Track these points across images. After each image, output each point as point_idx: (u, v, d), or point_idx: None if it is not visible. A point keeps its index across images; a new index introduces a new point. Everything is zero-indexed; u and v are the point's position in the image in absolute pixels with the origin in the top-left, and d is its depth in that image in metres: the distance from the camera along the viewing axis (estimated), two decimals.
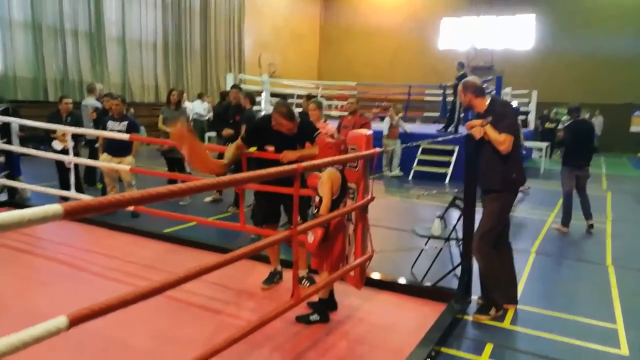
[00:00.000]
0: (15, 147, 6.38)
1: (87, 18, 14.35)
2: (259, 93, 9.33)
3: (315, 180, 3.30)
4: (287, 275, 4.09)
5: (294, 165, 2.48)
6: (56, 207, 1.31)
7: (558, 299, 4.19)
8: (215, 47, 18.64)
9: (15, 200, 6.49)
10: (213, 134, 12.04)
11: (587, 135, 6.64)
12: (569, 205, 6.55)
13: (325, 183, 3.21)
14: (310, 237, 3.02)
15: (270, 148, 3.85)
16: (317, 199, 3.24)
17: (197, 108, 12.76)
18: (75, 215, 1.36)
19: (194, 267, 1.94)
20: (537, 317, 3.79)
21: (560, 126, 16.15)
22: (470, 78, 3.90)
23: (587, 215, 6.60)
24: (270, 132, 3.77)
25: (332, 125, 5.45)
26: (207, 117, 12.69)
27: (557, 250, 5.61)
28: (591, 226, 6.56)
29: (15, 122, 6.73)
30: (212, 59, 18.60)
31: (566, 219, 6.53)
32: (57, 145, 6.22)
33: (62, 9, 13.60)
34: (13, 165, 6.66)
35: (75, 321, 1.45)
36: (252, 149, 3.95)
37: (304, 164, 2.61)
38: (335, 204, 3.24)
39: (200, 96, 13.89)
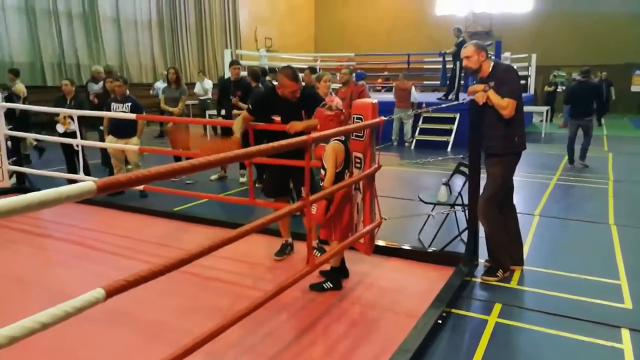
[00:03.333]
0: (21, 133, 6.43)
1: None
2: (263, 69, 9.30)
3: (322, 152, 3.37)
4: (298, 246, 4.21)
5: (304, 137, 2.53)
6: (90, 184, 1.38)
7: (563, 258, 4.30)
8: (210, 23, 18.44)
9: (24, 186, 6.57)
10: (214, 112, 12.09)
11: (588, 94, 8.28)
12: (571, 147, 8.44)
13: (329, 155, 3.27)
14: (314, 209, 3.11)
15: (277, 118, 3.90)
16: (322, 171, 3.32)
17: (197, 89, 12.70)
18: (108, 190, 1.43)
19: (210, 241, 2.01)
20: (543, 277, 3.90)
21: (559, 89, 16.15)
22: (477, 41, 3.92)
23: (582, 155, 8.44)
24: (276, 102, 3.83)
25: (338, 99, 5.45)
26: (206, 97, 12.62)
27: (560, 212, 5.70)
28: (585, 166, 8.37)
29: (18, 108, 6.78)
30: (208, 35, 18.42)
31: (570, 158, 8.50)
32: (60, 128, 6.27)
33: None
34: (20, 152, 6.72)
35: (112, 292, 1.54)
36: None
37: (314, 135, 2.67)
38: (339, 176, 3.32)
39: (199, 74, 13.81)
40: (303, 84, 6.76)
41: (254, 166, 5.01)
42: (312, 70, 6.50)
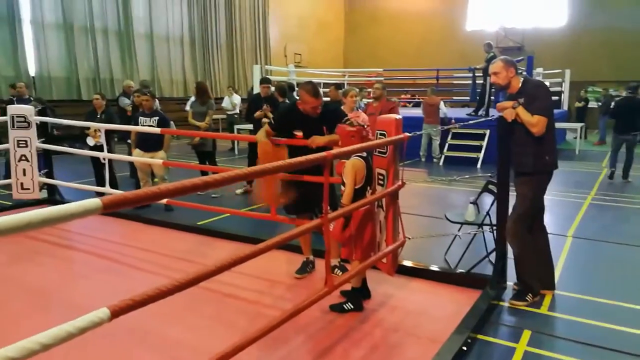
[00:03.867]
0: (53, 146, 6.58)
1: (115, 16, 14.65)
2: (290, 85, 9.33)
3: (342, 168, 3.30)
4: (319, 264, 4.13)
5: (323, 153, 2.47)
6: (96, 201, 1.35)
7: (598, 283, 4.08)
8: (240, 39, 18.75)
9: (55, 198, 6.70)
10: (241, 126, 12.17)
11: (635, 110, 8.32)
12: (613, 160, 8.64)
13: (348, 172, 3.20)
14: (331, 226, 3.03)
15: (299, 134, 3.86)
16: (342, 187, 3.25)
17: (225, 103, 12.79)
18: (114, 207, 1.39)
19: (228, 258, 1.97)
20: (576, 303, 3.70)
21: (593, 104, 15.69)
22: (506, 57, 3.79)
23: (625, 174, 8.45)
24: (298, 117, 3.79)
25: (364, 115, 5.39)
26: (234, 112, 12.67)
27: (595, 233, 5.45)
28: (628, 182, 8.41)
29: (51, 121, 6.96)
30: (238, 51, 18.72)
31: (611, 173, 8.65)
32: (90, 141, 6.39)
33: (92, 8, 13.91)
34: (51, 164, 6.88)
35: (117, 312, 1.50)
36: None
37: (333, 151, 2.60)
38: (359, 192, 3.24)
39: (227, 89, 13.84)
40: (328, 99, 6.78)
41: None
42: (338, 86, 6.46)
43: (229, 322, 3.28)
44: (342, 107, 5.60)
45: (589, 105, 16.33)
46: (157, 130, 5.66)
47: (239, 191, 7.47)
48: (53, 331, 1.34)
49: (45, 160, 6.76)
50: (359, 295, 3.51)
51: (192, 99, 8.50)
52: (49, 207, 1.27)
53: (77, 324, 1.40)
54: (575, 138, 13.29)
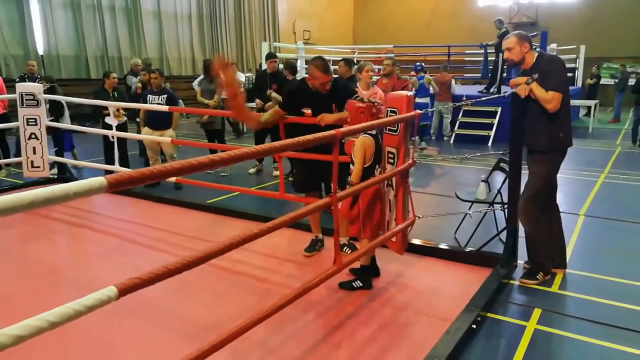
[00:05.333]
0: (64, 125, 6.59)
1: None
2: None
3: (351, 146, 3.25)
4: (328, 242, 4.12)
5: (332, 131, 2.43)
6: (100, 180, 1.33)
7: (610, 262, 4.03)
8: (249, 16, 18.52)
9: (65, 176, 6.73)
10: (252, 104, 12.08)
11: None
12: (636, 129, 9.55)
13: (357, 150, 3.16)
14: (339, 204, 3.00)
15: (308, 111, 3.81)
16: (351, 166, 3.21)
17: None
18: (119, 186, 1.37)
19: (238, 235, 1.95)
20: (587, 281, 3.67)
21: (605, 81, 15.33)
22: (520, 32, 3.68)
23: None
24: (307, 95, 3.73)
25: (381, 92, 5.28)
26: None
27: (608, 212, 5.37)
28: None
29: (64, 100, 6.95)
30: (247, 28, 18.51)
31: (634, 138, 9.52)
32: (112, 120, 6.35)
33: None
34: (62, 142, 6.90)
35: (124, 291, 1.49)
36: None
37: (343, 129, 2.55)
38: (368, 171, 3.20)
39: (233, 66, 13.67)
40: (337, 75, 6.67)
41: (287, 160, 4.95)
42: (347, 62, 6.31)
43: (239, 299, 3.29)
44: (357, 83, 5.50)
45: (600, 82, 15.98)
46: (165, 108, 5.62)
47: (251, 170, 7.46)
48: (61, 309, 1.34)
49: (55, 139, 6.77)
50: (368, 274, 3.50)
51: (201, 77, 8.45)
52: (53, 186, 1.26)
53: (85, 302, 1.39)
54: (586, 115, 13.05)
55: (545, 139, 3.45)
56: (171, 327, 2.98)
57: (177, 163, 1.55)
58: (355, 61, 8.34)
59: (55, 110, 7.10)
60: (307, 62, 8.72)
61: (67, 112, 7.48)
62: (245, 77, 12.31)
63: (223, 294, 3.41)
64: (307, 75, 3.79)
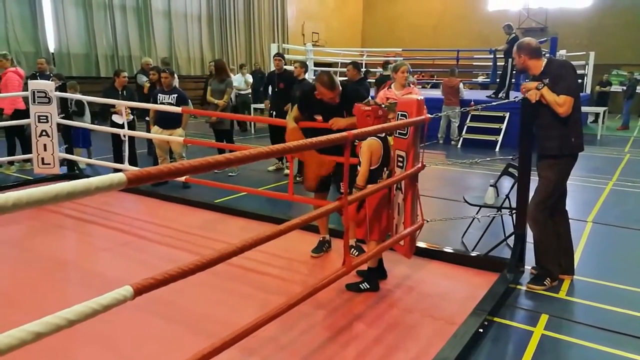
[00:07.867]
0: (74, 122, 6.64)
1: None
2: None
3: (358, 149, 3.27)
4: (335, 244, 4.13)
5: (344, 133, 2.45)
6: (120, 175, 1.35)
7: (618, 269, 4.02)
8: (258, 18, 18.59)
9: (75, 173, 6.79)
10: (258, 105, 12.11)
11: None
12: None
13: (364, 153, 3.18)
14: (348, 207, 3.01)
15: (319, 117, 3.83)
16: (359, 167, 3.22)
17: (238, 82, 12.60)
18: (138, 182, 1.39)
19: (250, 238, 1.98)
20: (595, 288, 3.66)
21: (615, 88, 15.27)
22: (526, 39, 3.69)
23: None
24: (317, 103, 3.75)
25: (417, 90, 5.24)
26: (247, 92, 12.46)
27: (616, 219, 5.36)
28: None
29: (73, 98, 7.01)
30: (256, 30, 18.57)
31: None
32: (118, 119, 6.37)
33: None
34: (71, 140, 6.95)
35: (140, 291, 1.52)
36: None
37: (354, 131, 2.57)
38: (375, 173, 3.21)
39: (241, 68, 13.54)
40: (345, 78, 6.69)
41: (297, 159, 4.98)
42: (356, 65, 6.33)
43: (250, 298, 3.32)
44: (392, 84, 5.47)
45: (611, 90, 15.92)
46: (178, 109, 5.65)
47: (270, 168, 7.53)
48: (78, 308, 1.36)
49: (65, 136, 6.83)
50: (376, 276, 3.51)
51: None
52: (75, 181, 1.28)
53: (102, 301, 1.42)
54: (595, 122, 13.00)
55: (556, 143, 3.45)
56: (182, 323, 3.01)
57: (194, 161, 1.57)
58: (363, 64, 8.35)
59: (78, 109, 7.22)
60: (315, 65, 8.74)
61: (87, 111, 7.58)
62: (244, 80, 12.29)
63: (233, 292, 3.43)
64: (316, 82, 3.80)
